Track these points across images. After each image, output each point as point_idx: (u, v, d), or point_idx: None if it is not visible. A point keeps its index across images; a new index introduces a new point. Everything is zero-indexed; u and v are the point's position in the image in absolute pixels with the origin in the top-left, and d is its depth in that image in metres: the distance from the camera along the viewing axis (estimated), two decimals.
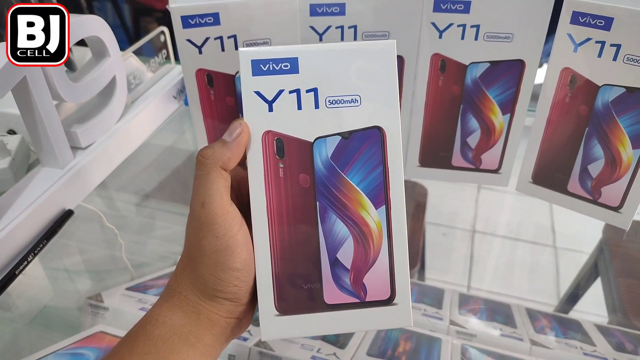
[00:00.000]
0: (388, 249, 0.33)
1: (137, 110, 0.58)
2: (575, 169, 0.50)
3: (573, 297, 0.88)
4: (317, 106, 0.32)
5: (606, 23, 0.42)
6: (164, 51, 0.64)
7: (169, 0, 0.45)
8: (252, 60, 0.32)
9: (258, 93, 0.32)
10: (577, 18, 0.43)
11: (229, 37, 0.46)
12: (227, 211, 0.31)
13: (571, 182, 0.51)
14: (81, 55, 0.65)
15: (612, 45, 0.43)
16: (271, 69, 0.32)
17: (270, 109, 0.32)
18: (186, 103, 0.64)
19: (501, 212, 1.14)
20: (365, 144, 0.33)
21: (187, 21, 0.44)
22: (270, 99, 0.32)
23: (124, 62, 0.60)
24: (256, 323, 0.34)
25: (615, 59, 0.43)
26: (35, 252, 0.47)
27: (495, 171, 0.54)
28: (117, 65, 0.55)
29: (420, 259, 0.85)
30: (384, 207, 0.33)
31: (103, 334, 0.51)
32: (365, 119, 0.33)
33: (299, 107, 0.32)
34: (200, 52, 0.46)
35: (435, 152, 0.54)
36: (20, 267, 0.45)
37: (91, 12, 1.69)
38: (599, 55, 0.44)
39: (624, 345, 0.60)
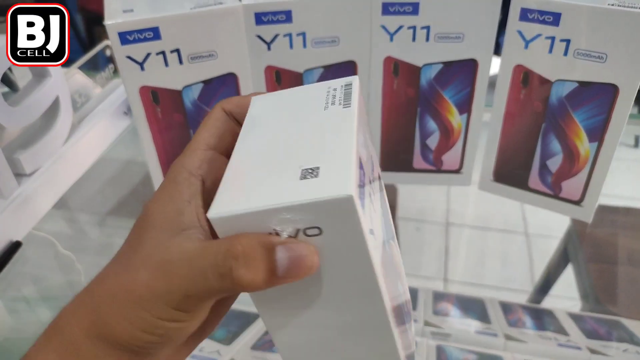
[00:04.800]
0: None
1: (85, 130, 0.56)
2: (535, 165, 0.50)
3: (546, 284, 0.89)
4: None
5: (554, 19, 0.42)
6: (111, 65, 0.62)
7: (105, 15, 0.43)
8: None
9: None
10: (526, 14, 0.43)
11: (171, 52, 0.44)
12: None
13: (531, 178, 0.50)
14: (23, 75, 0.62)
15: (561, 40, 0.42)
16: None
17: None
18: None
19: (472, 203, 1.15)
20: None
21: (125, 37, 0.42)
22: None
23: (69, 79, 0.57)
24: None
25: (566, 54, 0.43)
26: None
27: (457, 171, 0.54)
28: (59, 84, 0.52)
29: None
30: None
31: None
32: None
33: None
34: (142, 69, 0.44)
35: (396, 156, 0.54)
36: None
37: None
38: (550, 51, 0.43)
39: (598, 331, 0.61)
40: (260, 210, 0.19)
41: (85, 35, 1.71)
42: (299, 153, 0.21)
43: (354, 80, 0.26)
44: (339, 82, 0.26)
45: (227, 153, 0.26)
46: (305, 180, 0.20)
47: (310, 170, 0.20)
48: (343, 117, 0.23)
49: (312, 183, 0.19)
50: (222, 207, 0.20)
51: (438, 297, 0.66)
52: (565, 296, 0.84)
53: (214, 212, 0.19)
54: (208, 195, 0.24)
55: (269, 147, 0.23)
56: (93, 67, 0.61)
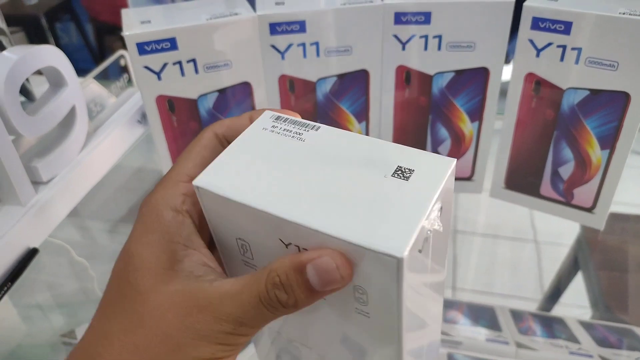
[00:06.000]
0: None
1: (100, 138, 0.56)
2: (547, 173, 0.50)
3: (556, 292, 0.88)
4: None
5: (565, 27, 0.42)
6: (126, 75, 0.63)
7: (123, 27, 0.43)
8: None
9: None
10: (537, 23, 0.43)
11: (188, 62, 0.45)
12: None
13: (543, 185, 0.51)
14: (39, 84, 0.63)
15: (573, 49, 0.43)
16: None
17: None
18: None
19: (480, 210, 1.14)
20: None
21: (143, 48, 0.43)
22: None
23: (84, 88, 0.58)
24: None
25: (577, 62, 0.43)
26: (0, 295, 0.45)
27: (468, 179, 0.54)
28: (75, 94, 0.53)
29: None
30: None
31: None
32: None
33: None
34: (159, 79, 0.45)
35: None
36: None
37: (53, 33, 1.66)
38: (561, 59, 0.44)
39: (608, 339, 0.60)
40: (424, 218, 0.19)
41: (96, 46, 1.73)
42: (363, 168, 0.22)
43: (271, 111, 0.25)
44: (265, 121, 0.25)
45: None
46: (409, 179, 0.21)
47: (399, 172, 0.21)
48: (333, 134, 0.24)
49: (418, 176, 0.21)
50: (392, 241, 0.19)
51: (448, 305, 0.66)
52: (575, 304, 0.83)
53: (401, 252, 0.18)
54: (200, 233, 0.24)
55: (316, 183, 0.22)
56: (108, 77, 0.62)
